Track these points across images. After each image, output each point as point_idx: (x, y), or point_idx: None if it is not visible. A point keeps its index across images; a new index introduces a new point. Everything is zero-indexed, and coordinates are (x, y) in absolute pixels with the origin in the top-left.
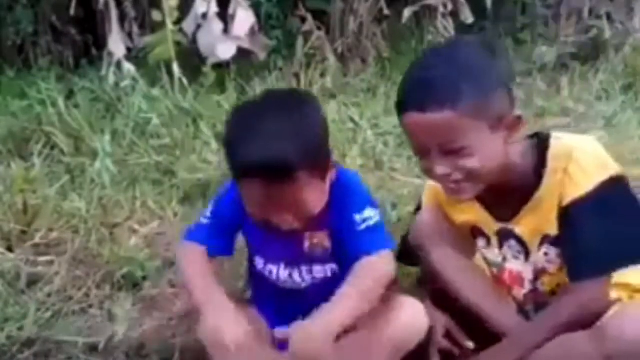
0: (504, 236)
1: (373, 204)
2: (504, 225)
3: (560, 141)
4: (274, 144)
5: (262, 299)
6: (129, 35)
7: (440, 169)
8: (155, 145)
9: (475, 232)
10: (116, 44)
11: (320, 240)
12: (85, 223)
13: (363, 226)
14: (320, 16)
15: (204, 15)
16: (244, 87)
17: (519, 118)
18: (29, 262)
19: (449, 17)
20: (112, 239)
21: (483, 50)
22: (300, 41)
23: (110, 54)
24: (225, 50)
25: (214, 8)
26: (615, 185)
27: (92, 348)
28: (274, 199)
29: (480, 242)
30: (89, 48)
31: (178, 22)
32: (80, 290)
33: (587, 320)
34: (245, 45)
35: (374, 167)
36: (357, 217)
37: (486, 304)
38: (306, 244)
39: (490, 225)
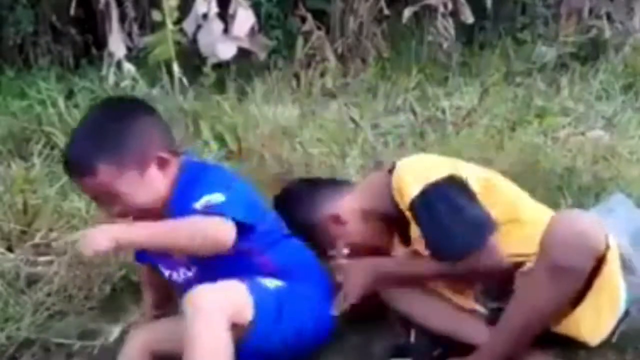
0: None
1: (216, 190)
2: None
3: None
4: (73, 145)
5: None
6: (129, 35)
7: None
8: None
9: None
10: (116, 44)
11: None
12: (85, 223)
13: (200, 207)
14: (320, 16)
15: (204, 16)
16: (244, 87)
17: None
18: (28, 262)
19: (449, 17)
20: None
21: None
22: (300, 41)
23: (111, 54)
24: (226, 50)
25: (214, 8)
26: (436, 188)
27: (92, 348)
28: (89, 193)
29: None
30: (89, 48)
31: (178, 22)
32: (80, 291)
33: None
34: (245, 45)
35: (374, 167)
36: (197, 205)
37: (450, 326)
38: None
39: None
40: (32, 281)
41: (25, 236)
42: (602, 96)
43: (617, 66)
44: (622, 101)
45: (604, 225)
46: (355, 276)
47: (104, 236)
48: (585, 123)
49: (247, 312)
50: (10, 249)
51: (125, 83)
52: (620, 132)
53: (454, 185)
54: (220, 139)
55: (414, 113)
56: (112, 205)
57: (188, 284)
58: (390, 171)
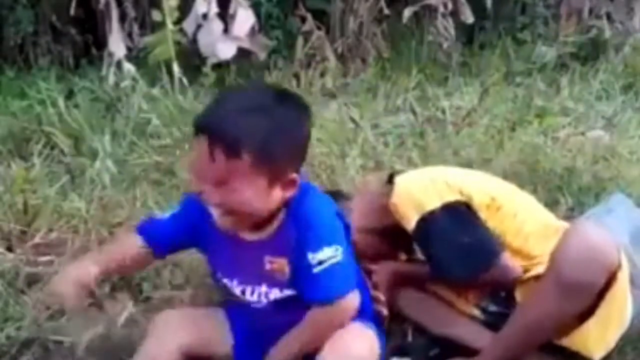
0: None
1: (334, 241)
2: None
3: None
4: (235, 115)
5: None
6: (129, 35)
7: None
8: (155, 145)
9: None
10: (116, 44)
11: (281, 266)
12: (85, 223)
13: (318, 269)
14: (320, 16)
15: (204, 16)
16: None
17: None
18: (28, 262)
19: (449, 17)
20: (112, 239)
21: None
22: (300, 41)
23: (111, 54)
24: (226, 50)
25: (214, 8)
26: (434, 218)
27: (91, 348)
28: (211, 165)
29: None
30: (89, 48)
31: (178, 22)
32: None
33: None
34: (245, 45)
35: (374, 167)
36: (311, 257)
37: (448, 330)
38: (267, 266)
39: None
40: (32, 281)
41: (25, 236)
42: (602, 96)
43: (617, 66)
44: (622, 101)
45: (618, 242)
46: (379, 279)
47: None
48: (585, 123)
49: None
50: (10, 249)
51: (126, 83)
52: (620, 132)
53: (452, 212)
54: None
55: (414, 113)
56: (216, 192)
57: (265, 311)
58: (390, 181)
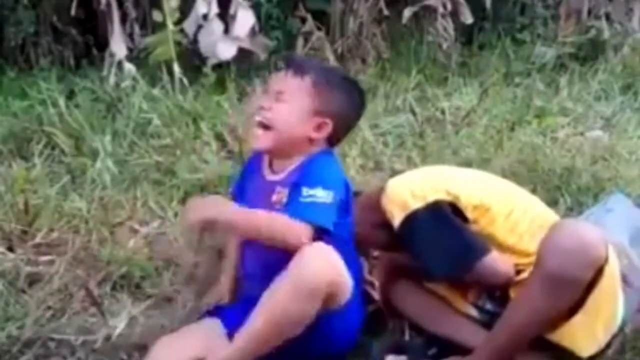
0: None
1: (331, 187)
2: None
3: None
4: (316, 61)
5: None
6: (130, 35)
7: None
8: (155, 145)
9: None
10: (117, 45)
11: (281, 196)
12: (86, 223)
13: (306, 199)
14: (320, 16)
15: (205, 16)
16: (244, 88)
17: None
18: (29, 261)
19: (448, 18)
20: (113, 238)
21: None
22: (300, 41)
23: (111, 55)
24: (226, 51)
25: (214, 9)
26: (416, 217)
27: (92, 348)
28: (278, 80)
29: None
30: (90, 48)
31: (179, 22)
32: (81, 290)
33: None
34: (246, 45)
35: (374, 167)
36: (305, 191)
37: (445, 329)
38: (274, 197)
39: None
40: (33, 281)
41: (26, 236)
42: (601, 96)
43: (616, 66)
44: (621, 101)
45: (605, 237)
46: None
47: (211, 207)
48: (584, 123)
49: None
50: (11, 249)
51: (126, 83)
52: (619, 133)
53: (434, 212)
54: (221, 139)
55: (414, 113)
56: (270, 101)
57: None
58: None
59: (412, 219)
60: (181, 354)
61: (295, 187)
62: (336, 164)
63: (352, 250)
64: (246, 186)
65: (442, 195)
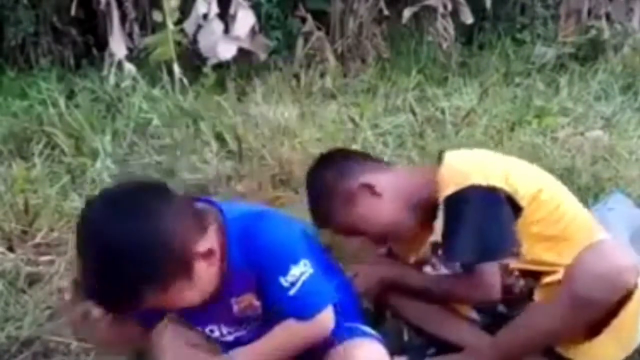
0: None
1: (299, 256)
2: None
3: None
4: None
5: None
6: (130, 35)
7: None
8: (155, 145)
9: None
10: (117, 45)
11: (248, 301)
12: None
13: (293, 290)
14: (320, 16)
15: (205, 16)
16: (244, 88)
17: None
18: (29, 261)
19: (448, 18)
20: None
21: None
22: (300, 41)
23: (111, 54)
24: (226, 51)
25: (214, 9)
26: (474, 192)
27: (92, 347)
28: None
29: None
30: (90, 48)
31: (179, 22)
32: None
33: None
34: (246, 45)
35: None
36: (283, 281)
37: (445, 331)
38: (235, 308)
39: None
40: (33, 281)
41: (26, 236)
42: (601, 96)
43: (616, 66)
44: (621, 101)
45: (637, 261)
46: (360, 281)
47: None
48: (584, 123)
49: None
50: (11, 249)
51: (126, 83)
52: (619, 132)
53: (491, 196)
54: (220, 139)
55: (414, 113)
56: None
57: (238, 342)
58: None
59: (468, 191)
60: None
61: (269, 287)
62: (271, 222)
63: (340, 272)
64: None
65: (502, 183)
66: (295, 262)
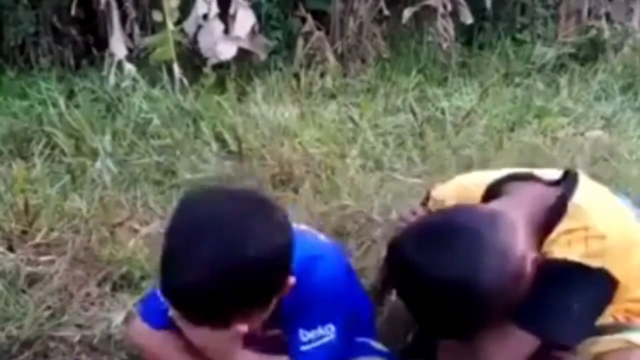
0: None
1: (330, 319)
2: None
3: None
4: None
5: None
6: (130, 35)
7: None
8: (155, 145)
9: None
10: (117, 45)
11: (277, 334)
12: (86, 223)
13: (307, 347)
14: (320, 16)
15: (205, 16)
16: (244, 88)
17: None
18: (29, 261)
19: (448, 18)
20: (113, 238)
21: None
22: (300, 41)
23: (111, 55)
24: (226, 51)
25: (214, 9)
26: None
27: (92, 348)
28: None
29: None
30: (90, 48)
31: (179, 22)
32: (81, 290)
33: None
34: (246, 45)
35: (374, 167)
36: (302, 335)
37: None
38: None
39: None
40: (33, 281)
41: (26, 236)
42: (601, 96)
43: (616, 66)
44: (621, 101)
45: None
46: None
47: None
48: (585, 123)
49: None
50: (11, 249)
51: (126, 83)
52: (620, 133)
53: (602, 281)
54: (220, 139)
55: (414, 113)
56: None
57: None
58: (557, 183)
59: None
60: None
61: (290, 330)
62: (331, 270)
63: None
64: None
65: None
66: (324, 324)
